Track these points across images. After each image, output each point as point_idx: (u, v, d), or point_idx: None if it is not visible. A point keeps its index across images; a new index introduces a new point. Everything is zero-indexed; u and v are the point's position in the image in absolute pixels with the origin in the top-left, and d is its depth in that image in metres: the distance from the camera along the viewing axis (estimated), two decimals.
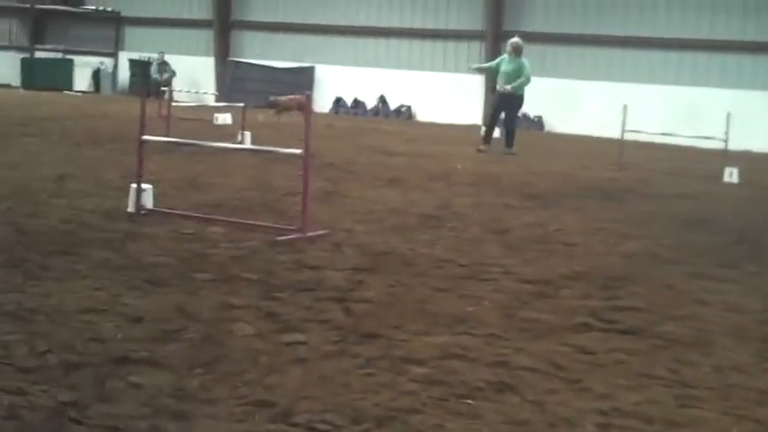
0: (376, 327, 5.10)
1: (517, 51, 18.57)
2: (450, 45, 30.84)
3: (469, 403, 4.05)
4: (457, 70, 30.44)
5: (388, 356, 4.60)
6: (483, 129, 19.89)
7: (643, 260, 7.68)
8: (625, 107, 17.20)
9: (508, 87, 18.35)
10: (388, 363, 4.51)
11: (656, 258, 7.84)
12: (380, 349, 4.72)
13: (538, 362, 4.66)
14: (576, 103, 28.68)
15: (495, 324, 5.34)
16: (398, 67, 31.44)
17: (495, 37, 29.78)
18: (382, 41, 31.79)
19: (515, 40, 18.86)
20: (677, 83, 27.52)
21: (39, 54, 35.85)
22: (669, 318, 5.77)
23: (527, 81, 18.49)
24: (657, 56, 27.78)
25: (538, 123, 29.37)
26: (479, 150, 18.32)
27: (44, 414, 3.62)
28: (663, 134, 20.64)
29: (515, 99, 18.67)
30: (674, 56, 27.52)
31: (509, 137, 18.71)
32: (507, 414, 3.95)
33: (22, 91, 31.76)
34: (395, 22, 31.42)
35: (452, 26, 30.76)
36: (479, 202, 10.52)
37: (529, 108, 29.22)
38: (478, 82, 29.97)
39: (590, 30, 28.83)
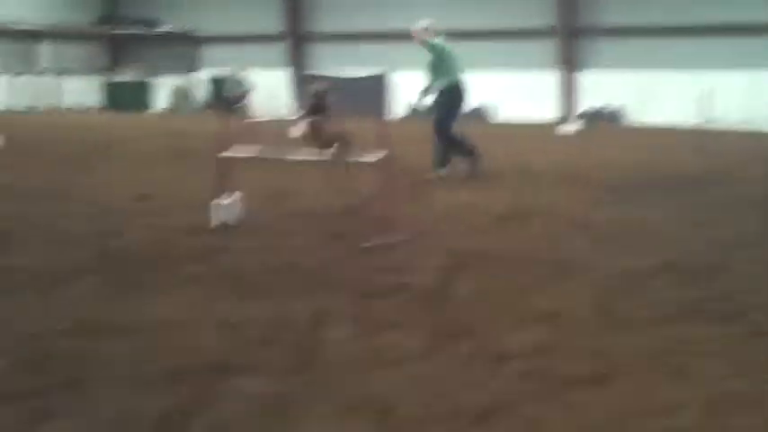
0: (468, 325, 5.11)
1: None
2: (524, 43, 30.65)
3: (566, 396, 4.04)
4: (531, 68, 30.26)
5: (483, 353, 4.61)
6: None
7: (731, 247, 7.56)
8: (705, 95, 16.90)
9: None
10: (484, 359, 4.52)
11: (745, 245, 7.70)
12: (476, 346, 4.73)
13: (634, 353, 4.63)
14: (655, 94, 28.30)
15: (589, 317, 5.32)
16: (473, 67, 31.33)
17: (568, 32, 29.54)
18: (453, 43, 31.76)
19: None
20: (760, 68, 26.95)
21: (119, 77, 36.54)
22: (763, 305, 5.68)
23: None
24: (738, 42, 27.27)
25: (617, 117, 29.02)
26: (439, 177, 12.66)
27: (151, 422, 3.70)
28: (744, 121, 20.24)
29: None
30: (757, 42, 26.96)
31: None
32: (607, 405, 3.94)
33: (105, 113, 32.40)
34: (465, 23, 31.35)
35: (525, 24, 30.58)
36: (563, 197, 10.45)
37: (607, 101, 28.98)
38: (553, 79, 29.77)
39: (664, 19, 28.44)
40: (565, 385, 4.14)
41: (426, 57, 13.32)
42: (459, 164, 12.93)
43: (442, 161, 13.00)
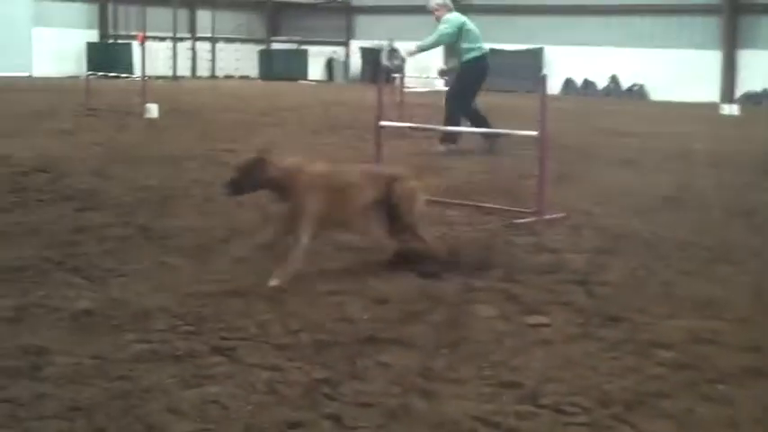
0: (620, 310, 5.02)
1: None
2: (685, 20, 29.79)
3: (721, 388, 3.93)
4: (692, 46, 29.40)
5: (633, 340, 4.53)
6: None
7: None
8: None
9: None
10: (633, 346, 4.44)
11: None
12: (625, 332, 4.65)
13: None
14: None
15: (746, 307, 5.15)
16: (629, 45, 30.66)
17: (732, 9, 28.55)
18: (613, 19, 31.09)
19: None
20: None
21: (275, 45, 37.22)
22: None
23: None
24: None
25: None
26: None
27: (299, 390, 3.78)
28: None
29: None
30: None
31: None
32: (763, 400, 3.81)
33: (260, 82, 33.08)
34: None
35: (686, 0, 29.70)
36: (721, 181, 10.14)
37: None
38: (715, 57, 28.85)
39: None
40: (717, 378, 4.03)
41: (443, 31, 13.04)
42: (478, 141, 12.71)
43: (451, 137, 12.59)
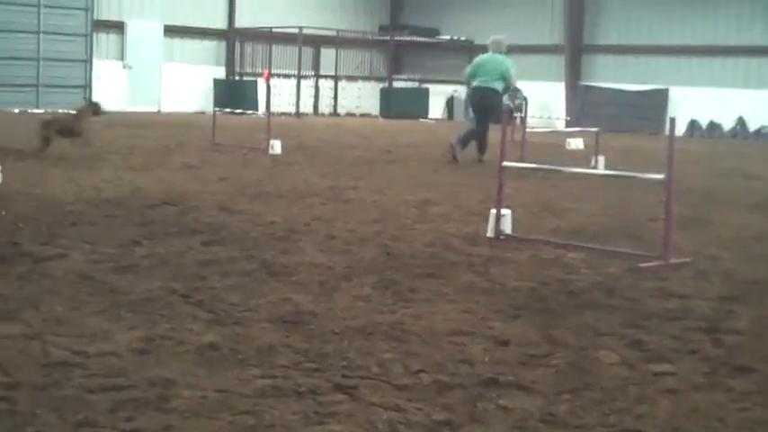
0: (749, 359, 4.88)
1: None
2: None
3: None
4: None
5: (763, 391, 4.39)
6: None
7: None
8: None
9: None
10: (763, 398, 4.30)
11: None
12: (755, 383, 4.52)
13: None
14: None
15: None
16: (757, 86, 29.94)
17: None
18: (740, 60, 30.44)
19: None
20: None
21: (396, 84, 37.53)
22: None
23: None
24: None
25: None
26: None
27: (420, 431, 3.77)
28: None
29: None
30: None
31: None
32: None
33: (381, 120, 33.36)
34: (750, 39, 29.98)
35: None
36: None
37: None
38: None
39: None
40: None
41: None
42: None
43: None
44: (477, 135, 16.37)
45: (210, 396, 4.02)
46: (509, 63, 16.56)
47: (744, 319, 5.76)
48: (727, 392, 4.37)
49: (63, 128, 14.60)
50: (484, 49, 15.69)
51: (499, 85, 16.36)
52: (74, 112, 15.38)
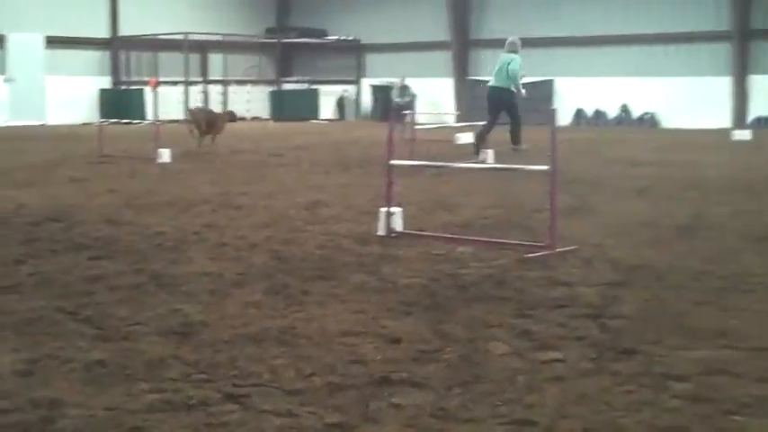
0: (634, 343, 5.00)
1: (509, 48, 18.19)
2: (694, 48, 29.81)
3: (737, 420, 3.90)
4: (702, 73, 29.40)
5: (648, 373, 4.51)
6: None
7: None
8: None
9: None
10: (648, 379, 4.41)
11: None
12: (640, 365, 4.63)
13: None
14: None
15: (760, 337, 5.12)
16: (639, 74, 30.69)
17: (741, 36, 28.54)
18: (622, 49, 31.14)
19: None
20: None
21: (286, 86, 37.43)
22: None
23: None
24: None
25: None
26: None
27: None
28: None
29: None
30: None
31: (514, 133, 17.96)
32: None
33: (271, 122, 33.22)
34: (633, 28, 30.71)
35: (695, 28, 29.72)
36: (736, 209, 10.10)
37: None
38: (726, 83, 28.83)
39: None
40: (733, 409, 4.00)
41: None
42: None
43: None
44: (482, 130, 17.66)
45: (98, 414, 3.95)
46: (515, 62, 17.74)
47: (628, 304, 5.90)
48: (613, 376, 4.47)
49: (209, 120, 18.05)
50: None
51: (508, 84, 17.71)
52: (217, 111, 19.29)
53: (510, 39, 18.54)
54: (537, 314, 5.64)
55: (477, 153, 16.95)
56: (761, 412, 3.98)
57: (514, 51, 18.08)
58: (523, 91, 18.07)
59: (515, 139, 17.74)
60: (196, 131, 18.24)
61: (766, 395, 4.16)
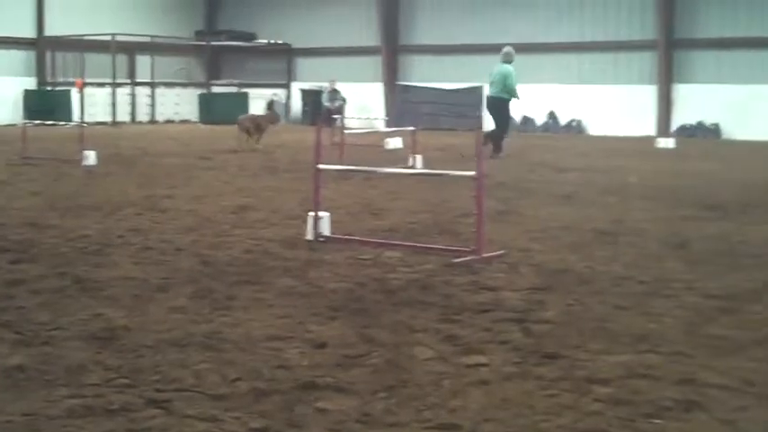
0: (556, 347, 5.06)
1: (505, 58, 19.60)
2: (621, 56, 30.23)
3: (657, 423, 3.97)
4: (628, 82, 29.84)
5: (570, 377, 4.57)
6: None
7: None
8: None
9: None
10: (570, 383, 4.47)
11: None
12: (562, 369, 4.69)
13: (726, 379, 4.53)
14: (754, 109, 27.61)
15: (680, 341, 5.22)
16: (567, 81, 31.03)
17: (666, 45, 29.03)
18: (549, 57, 31.45)
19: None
20: None
21: (215, 89, 37.14)
22: None
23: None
24: None
25: (715, 131, 28.46)
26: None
27: None
28: None
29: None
30: None
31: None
32: None
33: (200, 126, 32.93)
34: (562, 36, 31.07)
35: (622, 37, 30.14)
36: (657, 215, 10.28)
37: (704, 116, 28.34)
38: (652, 92, 29.30)
39: (763, 31, 27.73)
40: (653, 412, 4.07)
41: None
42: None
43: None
44: (489, 134, 18.80)
45: (17, 420, 3.89)
46: (509, 72, 19.24)
47: (552, 308, 5.97)
48: (536, 380, 4.52)
49: (256, 123, 20.34)
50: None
51: (503, 94, 19.25)
52: (262, 114, 21.68)
53: (505, 49, 19.82)
54: (462, 319, 5.68)
55: (497, 152, 18.32)
56: (680, 415, 4.06)
57: (509, 62, 19.47)
58: (519, 97, 19.51)
59: (496, 146, 18.66)
60: (245, 136, 20.30)
61: (686, 398, 4.24)
